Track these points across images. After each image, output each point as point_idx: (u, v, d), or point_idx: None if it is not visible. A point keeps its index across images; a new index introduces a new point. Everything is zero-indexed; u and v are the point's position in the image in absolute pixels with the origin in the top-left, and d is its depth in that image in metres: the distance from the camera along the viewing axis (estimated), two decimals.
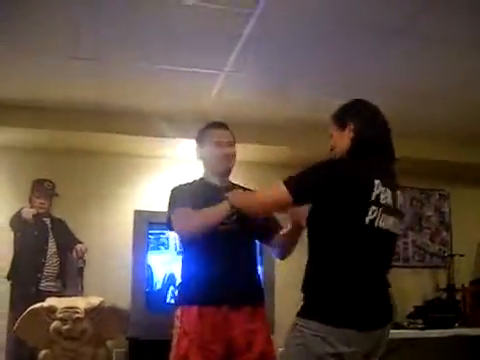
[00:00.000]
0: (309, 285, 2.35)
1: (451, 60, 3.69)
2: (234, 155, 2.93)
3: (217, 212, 2.62)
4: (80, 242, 4.67)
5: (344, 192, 2.24)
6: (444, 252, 5.89)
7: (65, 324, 3.81)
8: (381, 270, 2.40)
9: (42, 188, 4.75)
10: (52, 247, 4.68)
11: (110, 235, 4.90)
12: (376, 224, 2.27)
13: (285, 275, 4.30)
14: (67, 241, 4.71)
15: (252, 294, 2.80)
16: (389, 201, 2.33)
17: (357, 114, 2.49)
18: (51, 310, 3.87)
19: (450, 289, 5.55)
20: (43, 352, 3.93)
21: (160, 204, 4.97)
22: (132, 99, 4.39)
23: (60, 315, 3.83)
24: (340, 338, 2.19)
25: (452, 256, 5.74)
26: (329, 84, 4.08)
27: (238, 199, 2.59)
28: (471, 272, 5.84)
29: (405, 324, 4.93)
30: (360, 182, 2.28)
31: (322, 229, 2.31)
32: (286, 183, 2.30)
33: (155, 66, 3.81)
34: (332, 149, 2.52)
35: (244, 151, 4.87)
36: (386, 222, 2.31)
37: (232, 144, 2.93)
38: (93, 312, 3.89)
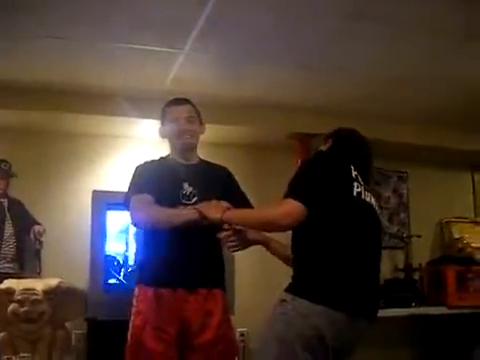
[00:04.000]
0: (301, 262, 2.37)
1: (411, 43, 3.71)
2: (194, 130, 2.90)
3: (181, 219, 2.61)
4: (38, 223, 4.61)
5: (336, 176, 2.36)
6: (402, 233, 5.96)
7: (23, 306, 3.77)
8: (374, 251, 2.47)
9: None
10: (9, 228, 4.60)
11: (68, 216, 4.84)
12: (363, 197, 2.39)
13: (245, 256, 4.31)
14: (24, 222, 4.64)
15: (208, 277, 2.79)
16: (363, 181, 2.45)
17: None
18: (8, 292, 3.82)
19: (408, 269, 5.64)
20: (1, 334, 3.89)
21: (119, 184, 4.95)
22: (91, 78, 4.31)
23: (18, 297, 3.79)
24: (326, 321, 2.21)
25: (410, 237, 5.83)
26: (287, 65, 4.09)
27: (237, 218, 2.55)
28: (428, 253, 5.94)
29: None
30: (344, 163, 2.45)
31: (314, 208, 2.31)
32: (295, 196, 2.29)
33: (115, 44, 3.74)
34: None
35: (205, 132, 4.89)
36: (370, 198, 2.45)
37: (193, 120, 2.90)
38: (51, 293, 3.85)
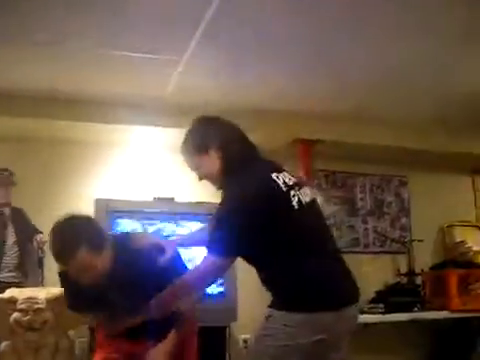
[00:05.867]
0: (271, 283, 2.36)
1: (410, 45, 3.72)
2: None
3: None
4: (40, 232, 4.61)
5: (265, 206, 2.26)
6: (404, 238, 5.96)
7: (26, 315, 3.76)
8: (332, 243, 2.46)
9: None
10: (11, 237, 4.61)
11: None
12: (303, 201, 2.35)
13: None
14: (27, 231, 4.64)
15: None
16: (290, 180, 2.40)
17: (214, 135, 2.48)
18: (11, 301, 3.81)
19: (410, 274, 5.63)
20: (4, 343, 3.88)
21: (120, 192, 4.98)
22: (91, 85, 4.33)
23: (21, 306, 3.78)
24: (315, 325, 2.21)
25: (412, 241, 5.82)
26: (289, 71, 4.10)
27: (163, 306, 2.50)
28: (431, 257, 5.94)
29: (366, 309, 4.98)
30: (269, 185, 2.32)
31: (262, 237, 2.28)
32: (213, 251, 2.28)
33: (114, 52, 3.76)
34: (201, 178, 2.53)
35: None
36: (305, 195, 2.40)
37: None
38: (54, 302, 3.84)
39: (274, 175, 2.36)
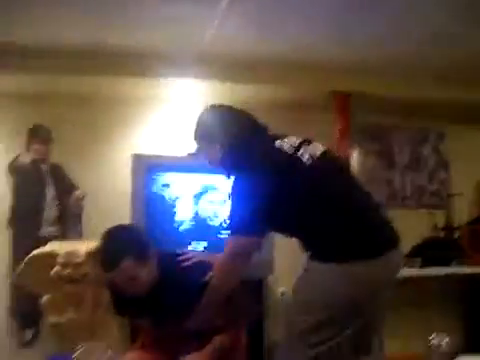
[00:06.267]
0: (307, 242, 2.38)
1: None
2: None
3: None
4: (78, 188, 4.68)
5: (277, 175, 2.31)
6: (442, 192, 5.88)
7: (66, 268, 3.83)
8: (359, 189, 2.49)
9: (38, 134, 4.71)
10: (50, 193, 4.69)
11: (108, 179, 4.89)
12: (314, 155, 2.41)
13: None
14: (65, 187, 4.72)
15: None
16: (296, 141, 2.47)
17: (220, 129, 2.55)
18: (52, 255, 3.88)
19: (448, 228, 5.58)
20: (45, 297, 3.97)
21: (158, 147, 4.99)
22: (126, 40, 4.28)
23: (61, 260, 3.85)
24: (355, 276, 2.22)
25: (450, 195, 5.75)
26: (326, 22, 4.02)
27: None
28: (469, 211, 5.86)
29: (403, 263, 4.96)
30: (272, 157, 2.40)
31: (286, 201, 2.31)
32: (241, 232, 2.30)
33: (151, 2, 3.70)
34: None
35: (239, 91, 4.85)
36: (315, 149, 2.45)
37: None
38: (94, 256, 3.90)
39: (277, 143, 2.43)
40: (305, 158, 2.38)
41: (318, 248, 2.32)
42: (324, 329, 2.24)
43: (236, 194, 2.35)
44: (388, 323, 4.53)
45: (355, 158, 5.26)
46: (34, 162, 4.62)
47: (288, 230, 2.45)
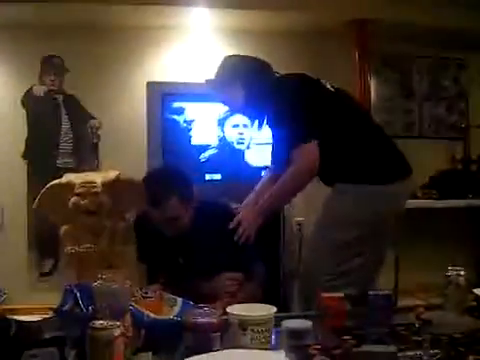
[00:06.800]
0: (337, 160, 2.48)
1: None
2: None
3: None
4: (93, 117, 4.66)
5: (311, 90, 2.57)
6: (461, 123, 5.80)
7: (84, 199, 3.84)
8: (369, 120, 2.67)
9: (52, 65, 4.69)
10: (66, 123, 4.69)
11: (124, 108, 4.85)
12: (334, 86, 2.64)
13: None
14: (80, 117, 4.71)
15: None
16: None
17: (240, 72, 2.65)
18: (69, 185, 3.89)
19: (466, 161, 5.53)
20: (64, 227, 3.99)
21: (173, 75, 4.93)
22: None
23: (78, 190, 3.85)
24: (383, 196, 2.39)
25: (469, 127, 5.67)
26: None
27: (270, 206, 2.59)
28: None
29: (419, 194, 4.95)
30: (304, 78, 2.67)
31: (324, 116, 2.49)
32: (305, 139, 2.40)
33: None
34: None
35: (254, 18, 4.75)
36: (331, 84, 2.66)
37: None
38: (110, 186, 3.91)
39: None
40: (328, 86, 2.59)
41: (353, 170, 2.44)
42: (354, 246, 2.41)
43: (282, 111, 2.47)
44: (404, 255, 4.60)
45: (373, 87, 5.16)
46: (48, 94, 4.60)
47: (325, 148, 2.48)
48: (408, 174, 2.49)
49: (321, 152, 2.42)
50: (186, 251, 2.62)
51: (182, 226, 2.59)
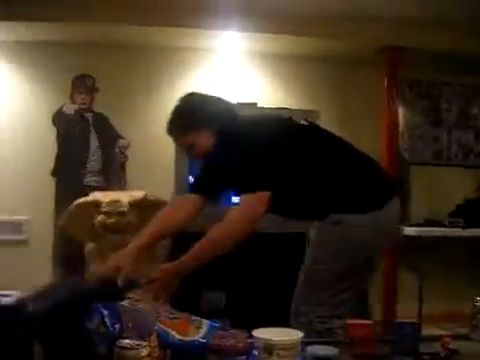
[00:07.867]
0: (320, 198, 2.39)
1: None
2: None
3: None
4: (122, 137, 4.71)
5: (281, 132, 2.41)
6: None
7: (110, 217, 3.88)
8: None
9: (83, 83, 4.75)
10: (94, 142, 4.74)
11: (152, 129, 4.86)
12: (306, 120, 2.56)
13: None
14: (109, 136, 4.76)
15: None
16: None
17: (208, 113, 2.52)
18: (96, 204, 3.93)
19: None
20: (89, 246, 4.03)
21: None
22: None
23: (105, 209, 3.89)
24: (377, 223, 2.30)
25: None
26: None
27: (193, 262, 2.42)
28: None
29: (446, 223, 4.90)
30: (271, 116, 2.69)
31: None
32: (258, 188, 2.28)
33: None
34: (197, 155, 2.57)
35: (285, 44, 4.77)
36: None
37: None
38: (137, 205, 3.94)
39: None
40: (301, 121, 2.52)
41: (344, 200, 2.34)
42: (349, 277, 2.31)
43: (244, 158, 2.31)
44: (431, 283, 4.55)
45: (401, 114, 5.15)
46: (78, 112, 4.66)
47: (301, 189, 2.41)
48: (394, 194, 2.40)
49: (304, 190, 2.37)
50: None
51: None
